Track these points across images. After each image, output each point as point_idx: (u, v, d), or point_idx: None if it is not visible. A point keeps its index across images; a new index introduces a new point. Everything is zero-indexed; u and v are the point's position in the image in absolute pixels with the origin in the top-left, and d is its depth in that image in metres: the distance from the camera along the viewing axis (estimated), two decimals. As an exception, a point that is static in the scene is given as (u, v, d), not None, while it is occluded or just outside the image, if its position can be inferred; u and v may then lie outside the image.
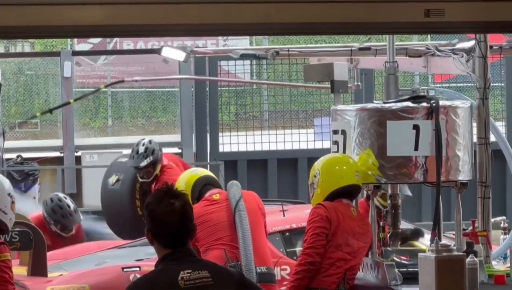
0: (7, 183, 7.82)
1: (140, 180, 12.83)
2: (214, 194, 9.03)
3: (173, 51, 14.43)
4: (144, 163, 12.53)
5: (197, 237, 8.40)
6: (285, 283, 8.72)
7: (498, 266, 8.90)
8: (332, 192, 8.25)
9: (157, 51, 15.30)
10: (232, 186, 9.06)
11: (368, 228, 8.33)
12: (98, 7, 7.27)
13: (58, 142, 20.25)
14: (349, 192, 8.26)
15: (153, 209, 5.49)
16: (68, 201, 11.18)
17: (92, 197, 19.16)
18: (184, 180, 9.18)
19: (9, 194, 7.76)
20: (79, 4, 7.25)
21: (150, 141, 12.81)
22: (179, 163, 13.12)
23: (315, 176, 8.43)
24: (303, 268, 8.04)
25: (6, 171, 18.39)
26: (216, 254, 8.37)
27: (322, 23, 7.61)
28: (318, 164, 8.45)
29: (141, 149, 12.60)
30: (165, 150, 20.42)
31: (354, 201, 8.48)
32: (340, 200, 8.20)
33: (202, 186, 9.13)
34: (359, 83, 11.16)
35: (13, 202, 7.80)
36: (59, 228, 10.30)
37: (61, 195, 11.14)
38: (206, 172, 9.69)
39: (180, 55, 14.15)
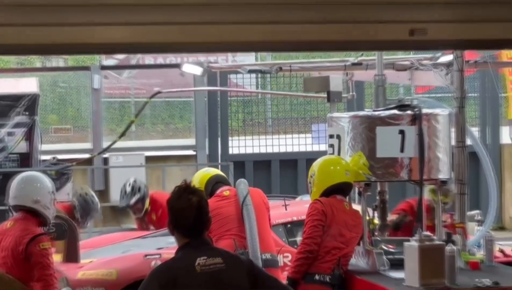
0: (50, 183, 7.97)
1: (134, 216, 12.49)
2: (224, 190, 9.05)
3: (191, 66, 14.44)
4: (133, 200, 12.08)
5: (210, 228, 8.42)
6: (287, 268, 8.73)
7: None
8: (326, 189, 8.26)
9: (177, 66, 15.28)
10: (240, 183, 9.08)
11: (359, 221, 8.33)
12: (123, 27, 7.28)
13: (88, 145, 20.26)
14: (341, 189, 8.26)
15: (173, 204, 5.52)
16: (95, 199, 11.06)
17: (118, 193, 19.19)
18: (198, 178, 9.20)
19: (52, 192, 7.86)
20: (106, 25, 7.25)
21: (135, 180, 12.34)
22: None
23: (311, 176, 8.47)
24: (303, 256, 8.05)
25: (42, 170, 18.43)
26: (226, 243, 8.39)
27: (320, 41, 7.61)
28: (314, 165, 8.47)
29: (128, 189, 12.15)
30: (182, 152, 20.59)
31: (347, 197, 8.49)
32: (335, 196, 8.20)
33: (214, 183, 9.16)
34: (354, 93, 11.19)
35: (54, 199, 7.89)
36: (81, 219, 10.30)
37: (91, 193, 11.01)
38: (217, 171, 9.72)
39: (198, 70, 14.18)
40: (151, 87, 23.37)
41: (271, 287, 5.52)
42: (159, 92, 14.96)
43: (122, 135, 13.92)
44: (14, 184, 7.93)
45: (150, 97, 14.76)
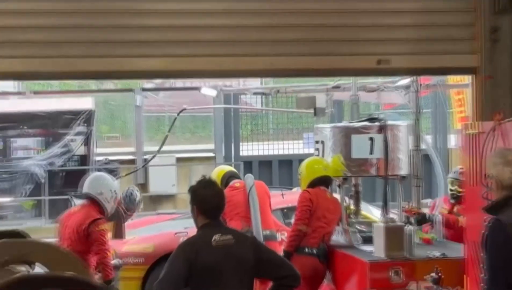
0: (115, 185, 8.13)
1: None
2: (235, 183, 9.06)
3: (208, 89, 14.55)
4: (140, 206, 10.48)
5: (226, 212, 8.44)
6: (283, 243, 8.72)
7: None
8: (310, 181, 8.26)
9: (198, 89, 15.40)
10: (248, 178, 9.09)
11: (338, 206, 8.32)
12: (159, 59, 7.29)
13: (132, 149, 20.27)
14: (322, 181, 8.25)
15: (199, 192, 5.51)
16: (138, 198, 10.68)
17: (155, 185, 19.25)
18: (216, 173, 9.22)
19: (114, 191, 7.96)
20: (146, 57, 7.27)
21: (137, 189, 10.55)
22: None
23: (300, 173, 8.49)
24: (295, 233, 8.03)
25: (96, 169, 18.46)
26: (235, 223, 8.38)
27: (308, 69, 7.61)
28: (302, 164, 8.49)
29: (138, 197, 10.17)
30: (204, 154, 20.61)
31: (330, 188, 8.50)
32: (319, 187, 8.21)
33: (228, 177, 9.18)
34: (333, 109, 11.16)
35: (116, 197, 7.99)
36: (125, 210, 10.26)
37: (136, 193, 10.65)
38: (231, 168, 9.75)
39: (213, 92, 14.28)
40: (180, 104, 23.29)
41: (269, 258, 5.52)
42: (184, 109, 15.04)
43: (160, 148, 13.97)
44: (88, 178, 8.14)
45: (178, 113, 14.81)
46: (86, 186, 8.02)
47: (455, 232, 8.46)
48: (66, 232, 7.83)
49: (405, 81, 9.14)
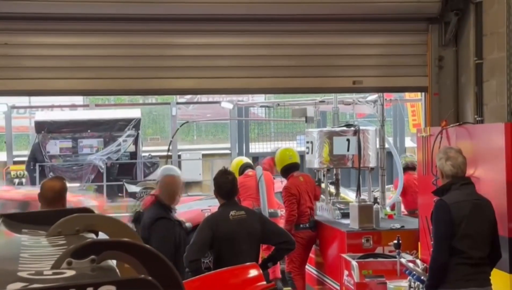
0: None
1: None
2: (249, 172, 9.08)
3: (227, 103, 14.59)
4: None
5: (240, 193, 8.43)
6: (282, 218, 8.66)
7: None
8: (281, 168, 8.20)
9: (219, 103, 15.51)
10: (258, 169, 9.08)
11: (310, 180, 8.14)
12: (189, 80, 7.30)
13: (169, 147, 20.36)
14: (292, 167, 8.13)
15: (218, 179, 5.51)
16: None
17: (186, 174, 19.23)
18: (236, 162, 9.27)
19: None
20: (179, 78, 7.28)
21: None
22: None
23: (275, 163, 8.47)
24: (290, 219, 7.70)
25: (142, 162, 18.49)
26: (248, 203, 8.36)
27: (301, 87, 7.63)
28: (275, 156, 8.48)
29: None
30: (222, 151, 20.62)
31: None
32: (292, 175, 8.05)
33: (244, 167, 9.19)
34: (319, 117, 11.15)
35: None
36: None
37: None
38: (247, 159, 9.76)
39: (230, 105, 14.28)
40: (205, 114, 23.39)
41: (272, 229, 5.52)
42: (187, 122, 15.43)
43: (169, 147, 14.32)
44: (161, 168, 8.12)
45: (180, 125, 15.25)
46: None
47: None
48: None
49: (372, 96, 9.14)
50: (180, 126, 15.32)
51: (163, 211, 5.28)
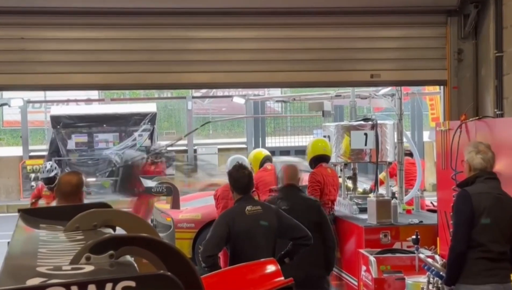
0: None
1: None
2: (267, 165, 8.97)
3: (239, 98, 14.65)
4: (51, 174, 9.03)
5: (258, 188, 8.42)
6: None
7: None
8: (312, 157, 7.98)
9: (231, 97, 15.59)
10: (277, 163, 9.05)
11: (335, 176, 8.06)
12: (205, 74, 7.31)
13: (185, 141, 20.37)
14: (322, 158, 7.95)
15: (234, 174, 5.52)
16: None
17: (202, 169, 19.38)
18: (255, 156, 9.17)
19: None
20: (195, 72, 7.29)
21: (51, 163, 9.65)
22: None
23: (307, 149, 8.23)
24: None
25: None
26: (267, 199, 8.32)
27: (318, 81, 7.61)
28: (308, 143, 8.27)
29: (48, 167, 9.31)
30: (238, 145, 20.67)
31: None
32: (321, 165, 7.92)
33: (265, 160, 9.11)
34: (333, 112, 11.07)
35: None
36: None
37: None
38: (267, 152, 9.58)
39: (242, 100, 14.32)
40: (220, 108, 23.44)
41: (288, 223, 5.49)
42: (208, 122, 15.37)
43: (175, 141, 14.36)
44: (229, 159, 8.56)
45: (201, 125, 15.27)
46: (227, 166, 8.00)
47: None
48: None
49: (385, 90, 9.10)
50: (202, 126, 15.38)
51: None
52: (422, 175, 9.19)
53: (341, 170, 8.58)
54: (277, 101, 15.91)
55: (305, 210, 6.08)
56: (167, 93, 23.16)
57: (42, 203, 9.06)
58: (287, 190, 6.29)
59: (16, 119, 22.26)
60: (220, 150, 19.88)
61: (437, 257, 6.09)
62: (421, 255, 5.86)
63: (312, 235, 5.50)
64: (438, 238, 6.55)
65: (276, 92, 17.58)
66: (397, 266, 6.41)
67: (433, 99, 13.05)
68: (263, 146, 19.91)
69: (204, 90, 22.29)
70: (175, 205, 10.20)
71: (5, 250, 1.98)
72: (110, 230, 2.13)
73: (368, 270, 6.51)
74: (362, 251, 6.85)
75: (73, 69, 7.03)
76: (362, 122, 8.37)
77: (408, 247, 6.75)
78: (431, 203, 9.27)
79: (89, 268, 1.68)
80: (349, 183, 8.78)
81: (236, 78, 7.37)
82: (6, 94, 20.38)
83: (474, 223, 4.60)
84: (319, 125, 18.25)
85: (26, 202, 14.09)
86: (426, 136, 18.81)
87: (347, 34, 7.36)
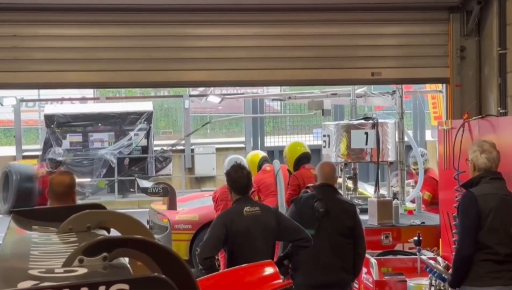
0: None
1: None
2: (266, 167, 8.93)
3: (213, 97, 14.21)
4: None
5: (261, 191, 8.41)
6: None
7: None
8: (293, 161, 8.16)
9: (206, 96, 15.37)
10: (276, 163, 8.98)
11: None
12: (202, 72, 7.30)
13: (182, 141, 20.38)
14: (303, 158, 8.07)
15: (232, 175, 5.50)
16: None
17: (199, 169, 19.36)
18: (253, 158, 9.16)
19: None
20: (193, 70, 7.28)
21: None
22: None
23: (285, 157, 8.45)
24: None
25: (154, 156, 18.55)
26: (271, 200, 8.22)
27: (318, 79, 7.60)
28: (284, 149, 8.48)
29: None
30: (237, 145, 20.67)
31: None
32: (303, 166, 7.98)
33: (262, 161, 9.09)
34: (331, 110, 11.05)
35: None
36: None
37: None
38: (264, 153, 9.58)
39: (217, 99, 13.93)
40: (217, 107, 23.42)
41: (288, 225, 5.47)
42: (208, 122, 15.33)
43: (181, 140, 14.30)
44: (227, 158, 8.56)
45: (202, 125, 15.25)
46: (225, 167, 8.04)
47: None
48: None
49: (387, 88, 9.09)
50: (203, 126, 15.37)
51: None
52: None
53: (341, 170, 8.55)
54: (273, 100, 15.86)
55: (340, 214, 5.78)
56: (163, 91, 23.13)
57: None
58: (323, 191, 5.84)
59: (9, 118, 22.22)
60: (218, 150, 19.87)
61: (439, 259, 6.10)
62: (423, 257, 5.86)
63: (344, 240, 5.46)
64: (440, 240, 6.54)
65: (275, 90, 17.58)
66: (398, 268, 6.40)
67: (435, 97, 13.05)
68: (262, 145, 19.93)
69: (201, 89, 22.25)
70: (172, 206, 10.18)
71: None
72: (104, 232, 2.13)
73: (369, 272, 6.50)
74: (363, 252, 6.83)
75: (67, 67, 7.01)
76: (362, 121, 8.34)
77: (410, 248, 6.75)
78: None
79: (82, 270, 1.67)
80: (350, 183, 8.75)
81: (234, 76, 7.36)
82: (-1, 93, 20.36)
83: (481, 225, 4.59)
84: (318, 124, 18.27)
85: (19, 203, 14.06)
86: (428, 135, 18.87)
87: (348, 31, 7.35)
